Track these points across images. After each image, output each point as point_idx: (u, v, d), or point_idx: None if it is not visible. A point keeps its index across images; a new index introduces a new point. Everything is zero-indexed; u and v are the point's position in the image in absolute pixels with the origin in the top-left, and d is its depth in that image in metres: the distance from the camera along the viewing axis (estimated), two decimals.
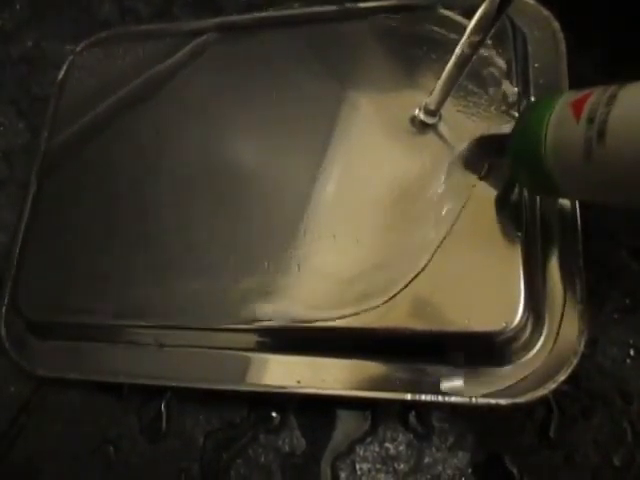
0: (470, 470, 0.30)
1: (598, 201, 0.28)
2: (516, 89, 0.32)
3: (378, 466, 0.31)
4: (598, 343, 0.31)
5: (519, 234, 0.30)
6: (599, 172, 0.23)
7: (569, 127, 0.24)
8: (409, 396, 0.29)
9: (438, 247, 0.30)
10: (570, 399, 0.31)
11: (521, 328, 0.28)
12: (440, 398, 0.29)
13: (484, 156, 0.31)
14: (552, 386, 0.28)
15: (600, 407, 0.30)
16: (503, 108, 0.32)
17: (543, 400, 0.30)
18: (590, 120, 0.23)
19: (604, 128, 0.22)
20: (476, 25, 0.26)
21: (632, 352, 0.31)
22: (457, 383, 0.29)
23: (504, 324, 0.28)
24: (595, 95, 0.23)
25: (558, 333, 0.29)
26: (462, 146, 0.32)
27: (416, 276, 0.30)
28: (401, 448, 0.32)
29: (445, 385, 0.29)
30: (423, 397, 0.29)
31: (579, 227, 0.31)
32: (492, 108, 0.32)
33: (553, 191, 0.27)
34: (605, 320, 0.32)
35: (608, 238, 0.33)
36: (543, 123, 0.25)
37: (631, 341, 0.31)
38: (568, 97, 0.25)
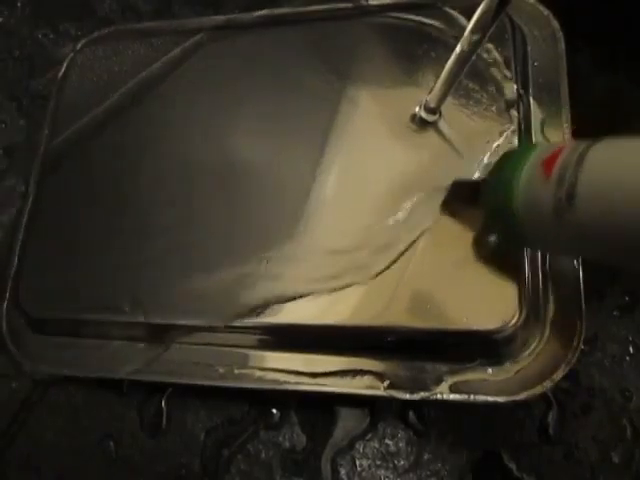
0: (469, 467, 0.31)
1: (568, 256, 0.28)
2: (515, 87, 0.33)
3: (378, 462, 0.32)
4: (598, 340, 0.32)
5: None
6: (569, 232, 0.23)
7: (540, 187, 0.24)
8: (408, 394, 0.29)
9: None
10: (570, 396, 0.31)
11: (519, 326, 0.28)
12: (439, 396, 0.29)
13: (460, 202, 0.31)
14: (550, 384, 0.28)
15: (599, 404, 0.31)
16: (502, 107, 0.32)
17: (542, 397, 0.30)
18: (560, 182, 0.23)
19: (573, 191, 0.22)
20: (476, 23, 0.26)
21: (631, 349, 0.31)
22: (456, 381, 0.29)
23: (502, 322, 0.28)
24: (565, 154, 0.23)
25: (556, 331, 0.29)
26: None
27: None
28: (401, 445, 0.32)
29: (444, 383, 0.29)
30: (422, 395, 0.29)
31: None
32: (491, 107, 0.32)
33: (524, 244, 0.27)
34: (605, 317, 0.32)
35: None
36: (514, 179, 0.25)
37: (630, 338, 0.32)
38: (540, 153, 0.25)
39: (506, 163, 0.27)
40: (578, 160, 0.22)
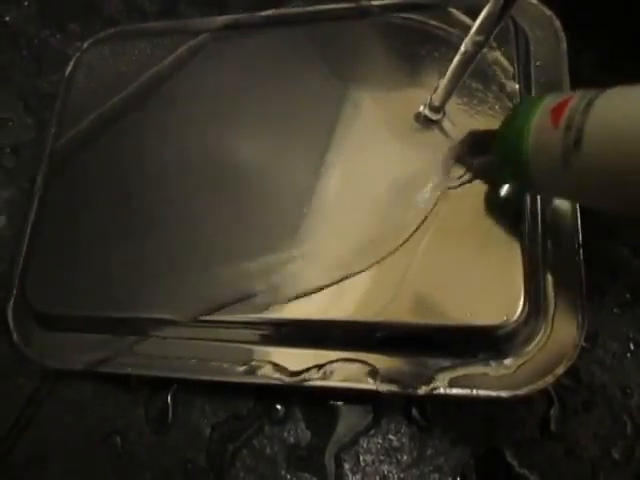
0: (472, 462, 0.31)
1: (576, 203, 0.29)
2: (518, 87, 0.33)
3: (381, 457, 0.32)
4: (599, 337, 0.32)
5: (520, 229, 0.30)
6: (576, 178, 0.24)
7: (549, 133, 0.24)
8: (411, 389, 0.29)
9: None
10: (571, 393, 0.31)
11: (522, 322, 0.28)
12: (442, 390, 0.29)
13: (473, 152, 0.32)
14: (552, 379, 0.28)
15: (600, 401, 0.31)
16: (505, 106, 0.33)
17: (544, 393, 0.31)
18: (568, 128, 0.23)
19: (580, 137, 0.23)
20: (481, 24, 0.27)
21: (632, 346, 0.31)
22: (458, 376, 0.29)
23: (505, 318, 0.28)
24: (573, 102, 0.24)
25: (558, 327, 0.29)
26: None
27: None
28: (404, 440, 0.32)
29: (446, 378, 0.29)
30: (425, 389, 0.29)
31: (579, 223, 0.31)
32: (494, 106, 0.33)
33: (534, 191, 0.28)
34: (606, 314, 0.32)
35: (609, 235, 0.33)
36: (525, 127, 0.26)
37: (631, 335, 0.32)
38: (550, 102, 0.25)
39: (517, 112, 0.28)
40: (586, 107, 0.23)
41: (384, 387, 0.30)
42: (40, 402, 0.36)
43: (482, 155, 0.31)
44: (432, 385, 0.29)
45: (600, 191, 0.24)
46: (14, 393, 0.37)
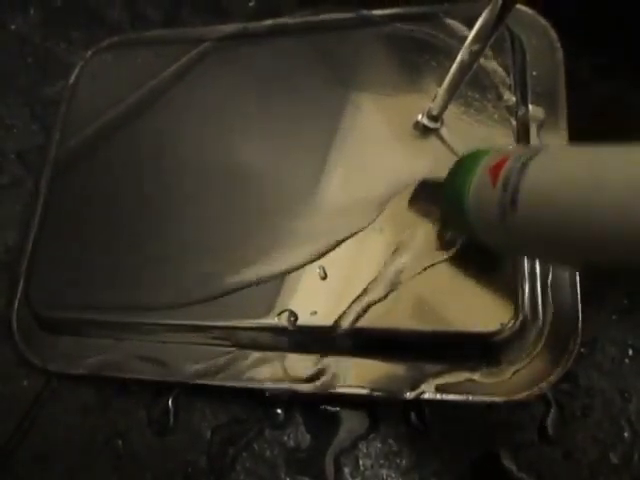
0: (470, 467, 0.31)
1: (516, 255, 0.30)
2: (514, 97, 0.33)
3: (381, 461, 0.32)
4: (597, 343, 0.32)
5: None
6: (513, 235, 0.24)
7: (487, 192, 0.25)
8: (409, 394, 0.29)
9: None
10: (569, 397, 0.31)
11: (517, 329, 0.29)
12: (438, 396, 0.29)
13: (425, 199, 0.32)
14: (546, 386, 0.28)
15: (599, 405, 0.31)
16: (502, 114, 0.33)
17: (542, 399, 0.31)
18: (504, 187, 0.24)
19: (516, 197, 0.23)
20: (477, 34, 0.27)
21: (631, 352, 0.31)
22: (452, 382, 0.29)
23: (500, 325, 0.28)
24: (510, 161, 0.24)
25: (554, 333, 0.29)
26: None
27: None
28: (403, 444, 0.32)
29: (440, 383, 0.29)
30: (422, 395, 0.29)
31: None
32: (492, 115, 0.33)
33: (477, 242, 0.28)
34: (604, 320, 0.32)
35: None
36: (466, 184, 0.26)
37: (630, 341, 0.32)
38: (490, 159, 0.26)
39: (460, 168, 0.28)
40: (521, 168, 0.23)
41: (381, 392, 0.30)
42: (43, 405, 0.36)
43: (433, 205, 0.32)
44: (428, 391, 0.29)
45: (536, 248, 0.25)
46: (17, 396, 0.37)
